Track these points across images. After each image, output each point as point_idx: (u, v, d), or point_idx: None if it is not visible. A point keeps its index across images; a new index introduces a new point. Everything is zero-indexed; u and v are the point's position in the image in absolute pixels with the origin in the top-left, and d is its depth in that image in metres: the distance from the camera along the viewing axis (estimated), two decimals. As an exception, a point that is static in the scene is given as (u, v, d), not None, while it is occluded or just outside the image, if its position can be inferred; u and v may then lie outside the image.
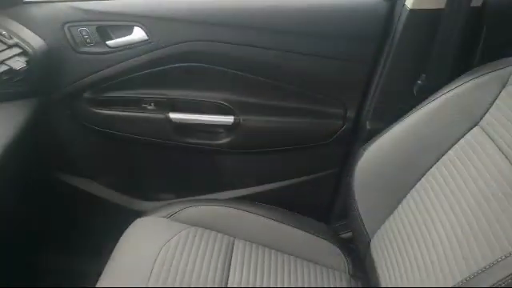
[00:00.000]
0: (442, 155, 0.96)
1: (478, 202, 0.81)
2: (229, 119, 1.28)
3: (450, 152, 0.95)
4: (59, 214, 1.41)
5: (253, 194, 1.37)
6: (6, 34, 1.10)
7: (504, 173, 0.80)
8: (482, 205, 0.80)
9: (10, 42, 1.09)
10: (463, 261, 0.77)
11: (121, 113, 1.28)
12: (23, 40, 1.11)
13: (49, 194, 1.36)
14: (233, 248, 1.08)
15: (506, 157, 0.82)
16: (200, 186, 1.33)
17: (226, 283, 0.99)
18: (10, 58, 1.06)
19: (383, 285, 0.96)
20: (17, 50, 1.09)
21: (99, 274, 0.98)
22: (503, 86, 0.93)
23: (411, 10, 1.08)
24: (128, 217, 1.14)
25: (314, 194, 1.39)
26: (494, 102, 0.92)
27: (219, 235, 1.10)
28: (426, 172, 0.97)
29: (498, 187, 0.80)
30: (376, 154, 1.07)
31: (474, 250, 0.76)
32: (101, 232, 1.21)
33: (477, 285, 0.70)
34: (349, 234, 1.25)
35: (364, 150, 1.08)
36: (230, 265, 1.04)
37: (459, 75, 1.01)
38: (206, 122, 1.29)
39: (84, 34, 1.18)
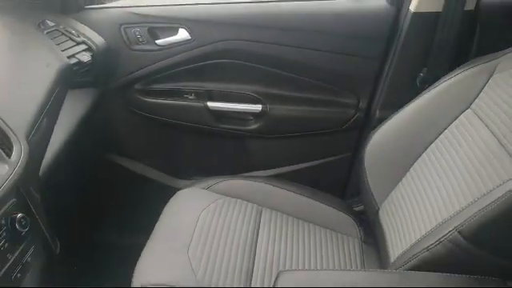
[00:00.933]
0: (440, 134, 1.12)
1: (469, 170, 0.97)
2: (257, 108, 1.47)
3: (446, 131, 1.11)
4: (108, 191, 1.59)
5: (277, 174, 1.55)
6: (75, 33, 1.31)
7: (490, 146, 0.96)
8: (471, 171, 0.96)
9: (78, 39, 1.30)
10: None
11: (165, 101, 1.48)
12: (88, 38, 1.32)
13: (100, 172, 1.55)
14: (261, 215, 1.26)
15: (493, 133, 0.98)
16: (231, 167, 1.51)
17: (256, 243, 1.16)
18: (79, 52, 1.27)
19: (390, 247, 1.12)
20: (83, 47, 1.30)
21: (144, 244, 1.13)
22: (490, 76, 1.09)
23: (414, 13, 1.26)
24: (168, 193, 1.31)
25: (330, 174, 1.55)
26: (482, 88, 1.08)
27: (249, 204, 1.27)
28: (427, 148, 1.13)
29: (484, 157, 0.96)
30: (383, 136, 1.23)
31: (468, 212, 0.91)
32: (144, 207, 1.38)
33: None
34: (361, 207, 1.41)
35: (373, 133, 1.25)
36: (258, 228, 1.21)
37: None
38: (237, 110, 1.48)
39: (137, 34, 1.39)
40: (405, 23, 1.29)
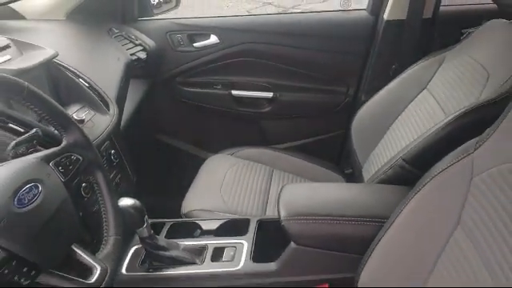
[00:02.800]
0: (406, 107, 1.44)
1: (421, 125, 1.31)
2: (269, 95, 1.86)
3: (409, 105, 1.46)
4: (151, 162, 1.97)
5: (285, 148, 1.89)
6: (133, 38, 1.72)
7: (436, 110, 1.31)
8: (421, 126, 1.31)
9: (136, 42, 1.71)
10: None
11: (199, 90, 1.89)
12: (143, 41, 1.73)
13: (147, 148, 1.93)
14: (272, 173, 1.63)
15: (437, 102, 1.33)
16: (249, 141, 1.82)
17: (269, 189, 1.54)
18: (137, 51, 1.67)
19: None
20: (140, 48, 1.71)
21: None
22: (440, 64, 1.44)
23: (386, 21, 1.64)
24: (200, 163, 1.67)
25: (327, 147, 1.91)
26: (435, 73, 1.44)
27: (263, 166, 1.65)
28: (396, 118, 1.46)
29: (429, 116, 1.31)
30: (365, 112, 1.59)
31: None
32: (182, 172, 1.73)
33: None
34: (350, 170, 1.77)
35: (359, 110, 1.63)
36: (271, 181, 1.58)
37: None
38: (254, 96, 1.87)
39: (179, 39, 1.81)
40: (380, 28, 1.68)
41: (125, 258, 1.11)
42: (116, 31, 1.69)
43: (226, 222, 1.23)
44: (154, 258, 1.09)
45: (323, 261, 1.04)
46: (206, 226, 1.23)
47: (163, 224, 1.24)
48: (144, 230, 1.04)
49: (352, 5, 1.81)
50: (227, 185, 1.50)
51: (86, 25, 1.64)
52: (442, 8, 1.66)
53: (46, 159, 0.78)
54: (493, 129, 0.80)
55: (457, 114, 1.13)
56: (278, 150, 1.75)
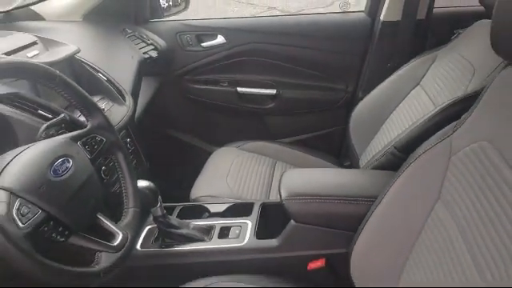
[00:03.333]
0: (401, 101, 1.54)
1: (414, 117, 1.40)
2: (273, 91, 1.96)
3: (403, 101, 1.57)
4: (162, 154, 2.05)
5: (289, 142, 1.98)
6: (145, 37, 1.82)
7: (426, 103, 1.41)
8: (413, 118, 1.40)
9: (148, 42, 1.81)
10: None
11: (206, 87, 1.99)
12: (154, 41, 1.84)
13: (157, 141, 2.03)
14: (275, 165, 1.73)
15: (429, 96, 1.43)
16: (253, 136, 1.91)
17: (272, 178, 1.63)
18: (149, 50, 1.78)
19: None
20: (152, 47, 1.81)
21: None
22: (433, 62, 1.54)
23: (383, 22, 1.74)
24: (207, 156, 1.77)
25: (327, 141, 2.00)
26: (427, 70, 1.53)
27: (267, 158, 1.75)
28: (391, 113, 1.55)
29: (421, 109, 1.39)
30: (363, 107, 1.68)
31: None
32: (189, 164, 1.84)
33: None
34: (348, 163, 1.87)
35: (357, 106, 1.73)
36: (273, 172, 1.69)
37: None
38: (258, 93, 1.97)
39: (188, 39, 1.91)
40: (377, 29, 1.77)
41: (139, 236, 1.21)
42: (129, 31, 1.80)
43: (231, 206, 1.34)
44: (166, 235, 1.20)
45: (320, 237, 1.14)
46: (214, 209, 1.33)
47: (174, 207, 1.34)
48: (158, 210, 1.15)
49: (350, 7, 1.91)
50: (233, 174, 1.60)
51: (101, 25, 1.74)
52: (435, 10, 1.76)
53: (75, 139, 0.88)
54: (469, 113, 0.90)
55: (444, 105, 1.23)
56: (280, 143, 1.85)
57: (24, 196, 0.71)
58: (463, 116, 0.92)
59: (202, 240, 1.19)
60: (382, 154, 1.30)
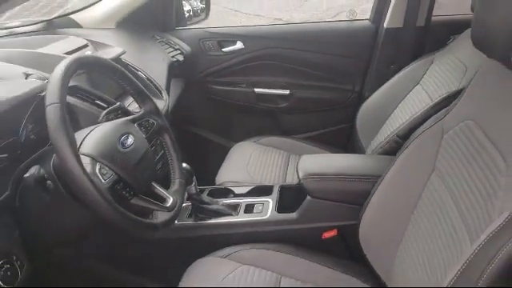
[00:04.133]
0: (402, 100, 1.72)
1: (413, 111, 1.56)
2: (286, 92, 2.14)
3: (405, 98, 1.73)
4: (185, 148, 2.21)
5: (301, 138, 2.15)
6: (173, 43, 2.02)
7: (424, 98, 1.57)
8: (413, 112, 1.57)
9: (175, 47, 2.00)
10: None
11: (226, 88, 2.18)
12: (181, 47, 2.03)
13: (182, 137, 2.20)
14: (289, 157, 1.89)
15: (427, 93, 1.59)
16: (268, 133, 2.09)
17: (287, 169, 1.81)
18: (176, 55, 1.97)
19: None
20: (178, 51, 2.00)
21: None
22: (430, 64, 1.70)
23: (386, 29, 1.92)
24: (225, 150, 1.94)
25: (335, 138, 2.16)
26: (426, 71, 1.69)
27: (282, 151, 1.91)
28: (394, 110, 1.71)
29: (419, 102, 1.56)
30: (368, 106, 1.86)
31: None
32: (209, 160, 1.99)
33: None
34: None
35: (363, 104, 1.91)
36: (288, 163, 1.84)
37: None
38: (273, 93, 2.15)
39: (210, 45, 2.10)
40: (381, 35, 1.95)
41: None
42: (158, 38, 1.99)
43: (253, 188, 1.51)
44: (199, 211, 1.37)
45: (332, 210, 1.32)
46: (238, 191, 1.51)
47: (203, 190, 1.51)
48: (192, 188, 1.33)
49: (357, 15, 2.10)
50: (252, 164, 1.77)
51: (133, 32, 1.94)
52: (433, 18, 1.95)
53: (132, 121, 1.07)
54: (457, 100, 1.08)
55: (439, 98, 1.41)
56: (293, 138, 2.03)
57: (102, 161, 0.90)
58: (453, 103, 1.10)
59: (230, 215, 1.37)
60: (385, 142, 1.48)
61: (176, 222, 1.36)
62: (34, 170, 0.94)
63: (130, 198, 0.95)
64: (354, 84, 2.10)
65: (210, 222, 1.35)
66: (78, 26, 1.94)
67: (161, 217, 1.00)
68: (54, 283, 1.33)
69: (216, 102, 2.22)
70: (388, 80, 1.83)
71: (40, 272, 1.05)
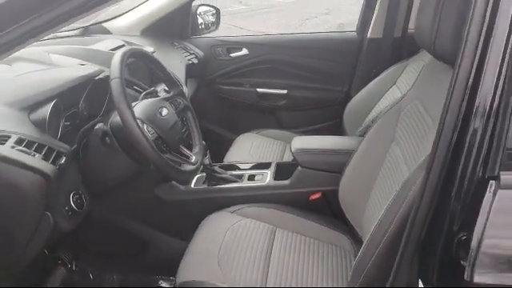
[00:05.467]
0: (380, 98, 2.06)
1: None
2: (284, 91, 2.47)
3: (382, 97, 2.07)
4: None
5: (296, 132, 2.47)
6: (189, 48, 2.37)
7: (396, 94, 1.91)
8: None
9: (191, 52, 2.34)
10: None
11: (233, 88, 2.51)
12: (195, 52, 2.37)
13: None
14: (285, 147, 2.23)
15: (401, 92, 1.93)
16: (268, 127, 2.39)
17: (284, 153, 2.14)
18: (192, 58, 2.32)
19: None
20: (194, 56, 2.34)
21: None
22: (405, 68, 2.03)
23: (369, 38, 2.27)
24: (230, 142, 2.25)
25: (327, 132, 2.43)
26: (401, 73, 2.02)
27: (280, 141, 2.25)
28: (374, 106, 2.08)
29: (393, 98, 1.92)
30: (353, 104, 2.17)
31: None
32: (217, 148, 2.30)
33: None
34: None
35: (349, 102, 2.24)
36: (285, 150, 2.18)
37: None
38: (273, 93, 2.48)
39: (220, 51, 2.45)
40: (365, 44, 2.30)
41: (192, 180, 1.72)
42: (176, 44, 2.34)
43: (255, 164, 1.84)
44: (211, 179, 1.70)
45: (319, 178, 1.64)
46: (242, 166, 1.83)
47: (214, 165, 1.84)
48: (206, 160, 1.65)
49: (345, 28, 2.45)
50: (254, 149, 2.09)
51: (155, 39, 2.27)
52: (409, 30, 2.29)
53: (165, 99, 1.41)
54: (411, 88, 1.42)
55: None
56: (290, 131, 2.36)
57: (147, 123, 1.23)
58: (408, 90, 1.43)
59: (236, 181, 1.69)
60: (363, 128, 1.81)
61: (193, 186, 1.69)
62: (96, 129, 1.27)
63: (166, 152, 1.28)
64: (342, 85, 2.43)
65: (220, 186, 1.67)
66: (108, 32, 2.28)
67: (187, 167, 1.33)
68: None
69: (224, 99, 2.55)
70: (370, 81, 2.15)
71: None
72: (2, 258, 1.06)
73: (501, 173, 0.74)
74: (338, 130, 2.46)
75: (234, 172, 1.76)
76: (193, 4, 2.41)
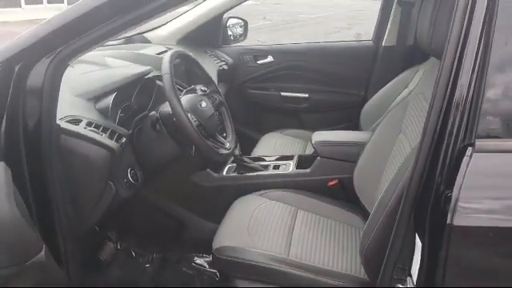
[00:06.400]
0: (394, 99, 2.24)
1: None
2: (306, 95, 2.68)
3: (397, 97, 2.26)
4: None
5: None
6: (220, 56, 2.60)
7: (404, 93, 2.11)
8: None
9: (222, 59, 2.58)
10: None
11: (259, 92, 2.73)
12: (226, 59, 2.61)
13: None
14: (306, 144, 2.44)
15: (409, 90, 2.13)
16: (291, 127, 2.60)
17: (305, 150, 2.34)
18: (223, 65, 2.55)
19: None
20: (224, 62, 2.57)
21: None
22: (417, 72, 2.22)
23: (384, 46, 2.47)
24: (256, 141, 2.49)
25: None
26: (413, 78, 2.22)
27: (301, 140, 2.46)
28: (388, 106, 2.28)
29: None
30: (370, 104, 2.38)
31: None
32: (245, 146, 2.54)
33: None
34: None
35: (365, 104, 2.43)
36: (305, 148, 2.39)
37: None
38: (295, 96, 2.69)
39: (247, 58, 2.68)
40: (380, 52, 2.50)
41: (223, 169, 1.94)
42: (208, 52, 2.58)
43: (279, 157, 2.05)
44: (241, 168, 1.91)
45: (336, 167, 1.83)
46: (268, 158, 2.05)
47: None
48: (237, 151, 1.87)
49: (362, 37, 2.65)
50: (278, 146, 2.30)
51: (190, 48, 2.51)
52: (421, 39, 2.48)
53: (203, 95, 1.64)
54: (416, 85, 1.61)
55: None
56: (311, 131, 2.55)
57: (190, 112, 1.46)
58: (414, 87, 1.63)
59: (263, 170, 1.91)
60: (376, 125, 2.00)
61: (225, 174, 1.91)
62: (150, 116, 1.51)
63: (206, 138, 1.50)
64: (359, 89, 2.63)
65: (248, 174, 1.88)
66: (147, 41, 2.54)
67: (223, 151, 1.55)
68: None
69: (251, 102, 2.78)
70: (385, 85, 2.35)
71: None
72: (72, 220, 1.29)
73: (476, 140, 0.93)
74: (355, 130, 2.66)
75: (261, 163, 1.97)
76: (224, 16, 2.65)
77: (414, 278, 1.05)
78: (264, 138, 2.46)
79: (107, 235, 1.85)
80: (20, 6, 13.27)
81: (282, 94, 2.72)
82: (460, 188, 0.92)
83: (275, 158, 2.04)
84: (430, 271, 0.98)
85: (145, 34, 2.57)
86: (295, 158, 1.98)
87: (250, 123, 2.84)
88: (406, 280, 1.10)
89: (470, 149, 0.93)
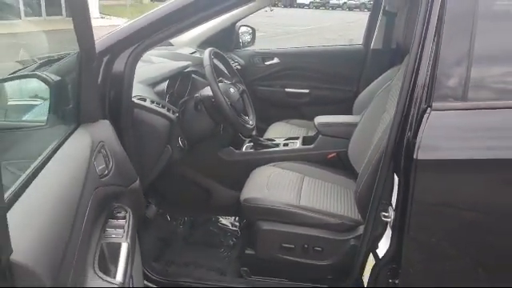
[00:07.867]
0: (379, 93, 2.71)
1: None
2: (306, 91, 3.10)
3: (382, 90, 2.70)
4: None
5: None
6: (233, 57, 3.03)
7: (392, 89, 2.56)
8: None
9: (235, 60, 3.00)
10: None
11: (267, 88, 3.16)
12: (238, 60, 3.04)
13: None
14: (308, 131, 2.86)
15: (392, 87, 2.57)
16: (294, 118, 3.05)
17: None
18: (236, 65, 2.98)
19: None
20: (237, 63, 3.00)
21: None
22: (399, 70, 2.67)
23: (372, 49, 2.92)
24: (264, 130, 2.90)
25: None
26: (396, 74, 2.67)
27: (303, 128, 2.89)
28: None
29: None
30: (360, 98, 2.82)
31: None
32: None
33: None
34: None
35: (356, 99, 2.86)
36: (308, 132, 2.82)
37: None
38: (298, 92, 3.10)
39: (256, 60, 3.11)
40: (369, 54, 2.94)
41: (243, 146, 2.36)
42: (225, 55, 3.01)
43: (287, 138, 2.47)
44: (257, 146, 2.33)
45: (334, 143, 2.26)
46: (277, 140, 2.47)
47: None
48: (254, 132, 2.29)
49: (353, 41, 3.10)
50: (284, 132, 2.72)
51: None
52: (403, 43, 2.92)
53: (230, 84, 2.06)
54: (398, 73, 2.05)
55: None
56: (311, 121, 2.98)
57: (224, 94, 1.88)
58: (395, 75, 2.06)
59: (274, 147, 2.33)
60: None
61: (244, 150, 2.33)
62: (194, 97, 1.92)
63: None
64: (351, 86, 3.05)
65: (263, 150, 2.30)
66: (171, 45, 2.97)
67: (248, 126, 1.97)
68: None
69: (259, 97, 3.19)
70: (373, 82, 2.78)
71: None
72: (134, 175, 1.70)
73: (433, 102, 1.36)
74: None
75: (272, 142, 2.39)
76: (236, 24, 3.09)
77: (394, 205, 1.47)
78: (272, 126, 2.88)
79: (149, 201, 2.26)
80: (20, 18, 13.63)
81: (287, 90, 3.14)
82: (422, 135, 1.35)
83: (284, 138, 2.46)
84: (404, 196, 1.39)
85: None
86: (300, 138, 2.41)
87: (259, 116, 3.22)
88: (388, 209, 1.52)
89: (429, 109, 1.36)
